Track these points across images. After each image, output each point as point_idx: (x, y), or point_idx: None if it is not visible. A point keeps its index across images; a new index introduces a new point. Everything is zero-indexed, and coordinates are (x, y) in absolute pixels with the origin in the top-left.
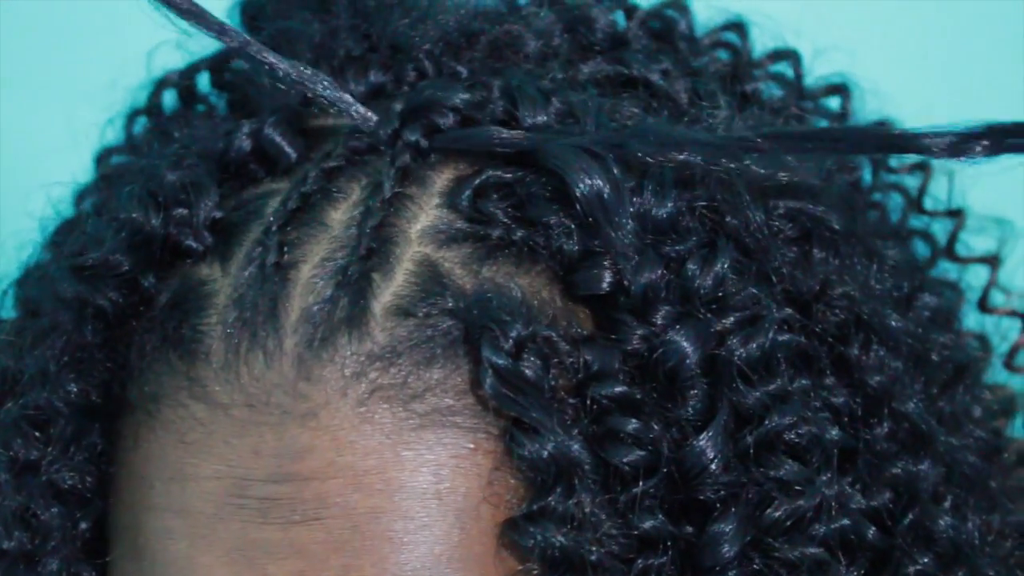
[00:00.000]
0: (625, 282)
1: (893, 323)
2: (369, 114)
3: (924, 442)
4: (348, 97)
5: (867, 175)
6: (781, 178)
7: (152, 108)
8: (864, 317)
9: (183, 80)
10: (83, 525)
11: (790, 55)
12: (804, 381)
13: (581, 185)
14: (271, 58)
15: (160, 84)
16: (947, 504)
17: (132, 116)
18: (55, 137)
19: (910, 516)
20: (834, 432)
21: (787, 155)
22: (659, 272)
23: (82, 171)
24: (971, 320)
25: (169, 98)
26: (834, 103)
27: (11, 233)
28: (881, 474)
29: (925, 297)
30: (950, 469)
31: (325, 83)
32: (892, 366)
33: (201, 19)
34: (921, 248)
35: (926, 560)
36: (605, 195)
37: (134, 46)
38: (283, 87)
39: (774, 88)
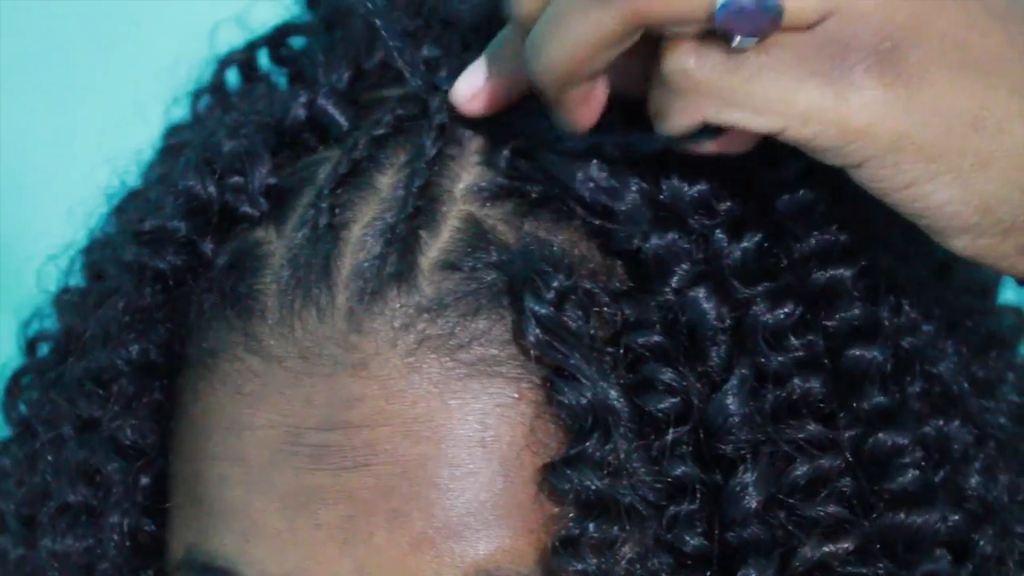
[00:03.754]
0: (642, 244)
1: (926, 287)
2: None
3: (955, 403)
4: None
5: None
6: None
7: (216, 85)
8: (897, 280)
9: (244, 57)
10: (143, 480)
11: None
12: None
13: (580, 175)
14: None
15: (223, 62)
16: (977, 464)
17: (197, 94)
18: (122, 113)
19: (940, 474)
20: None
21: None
22: (671, 238)
23: (148, 146)
24: (1009, 294)
25: (232, 76)
26: None
27: (78, 203)
28: (912, 433)
29: (962, 265)
30: (981, 431)
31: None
32: (924, 329)
33: None
34: None
35: (956, 517)
36: (603, 180)
37: (199, 23)
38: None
39: None
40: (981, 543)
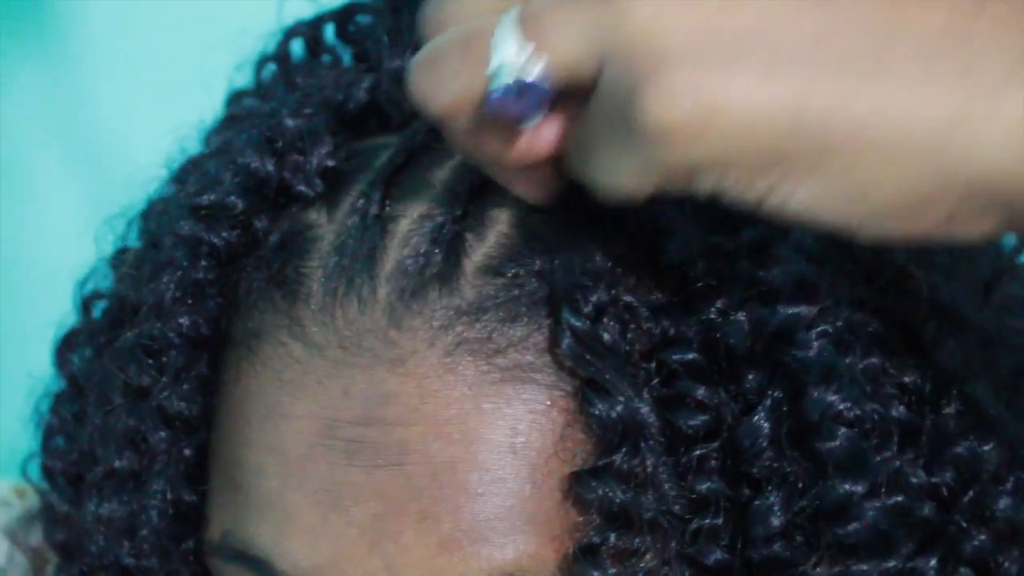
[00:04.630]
0: (692, 262)
1: (968, 307)
2: None
3: (990, 424)
4: None
5: None
6: None
7: (280, 55)
8: (939, 300)
9: (310, 30)
10: (187, 451)
11: None
12: (874, 360)
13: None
14: None
15: (289, 33)
16: (1008, 486)
17: (262, 62)
18: (188, 78)
19: (970, 494)
20: (900, 410)
21: None
22: (715, 259)
23: (211, 113)
24: None
25: (297, 47)
26: None
27: (140, 167)
28: (944, 453)
29: (1006, 284)
30: (1014, 453)
31: None
32: (964, 349)
33: None
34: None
35: (982, 538)
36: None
37: None
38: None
39: None
40: (1006, 564)
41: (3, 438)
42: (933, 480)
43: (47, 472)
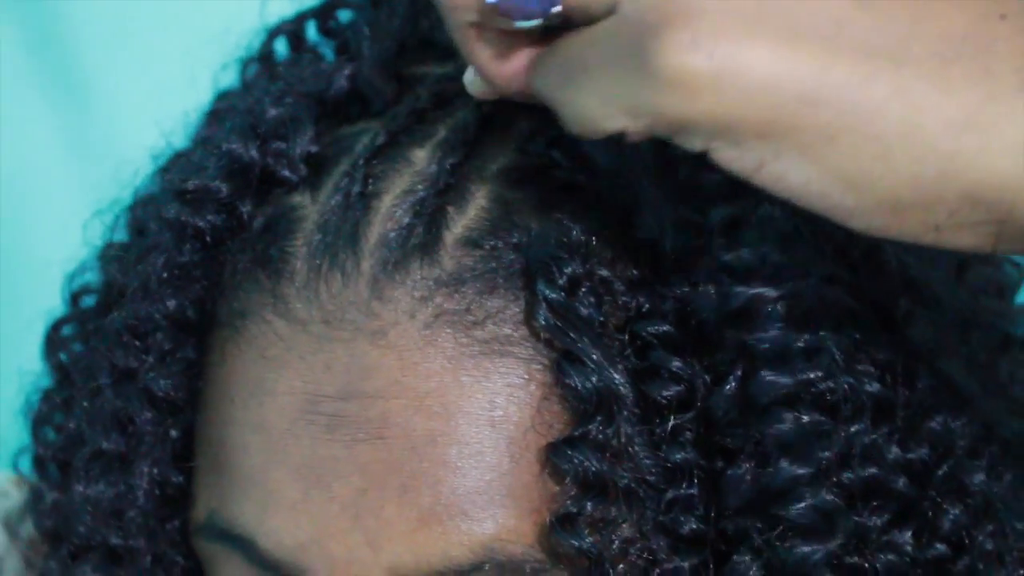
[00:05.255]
0: (664, 237)
1: (941, 286)
2: None
3: (964, 400)
4: None
5: None
6: None
7: (264, 54)
8: (911, 277)
9: (293, 28)
10: (173, 433)
11: None
12: (846, 336)
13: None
14: None
15: (272, 32)
16: (982, 462)
17: (246, 62)
18: (173, 78)
19: (944, 468)
20: (874, 386)
21: None
22: (691, 234)
23: (195, 110)
24: None
25: (280, 47)
26: None
27: (126, 162)
28: (919, 428)
29: (978, 266)
30: (989, 429)
31: None
32: (937, 326)
33: None
34: None
35: (956, 512)
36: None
37: None
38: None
39: None
40: (980, 539)
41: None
42: (908, 456)
43: (36, 461)
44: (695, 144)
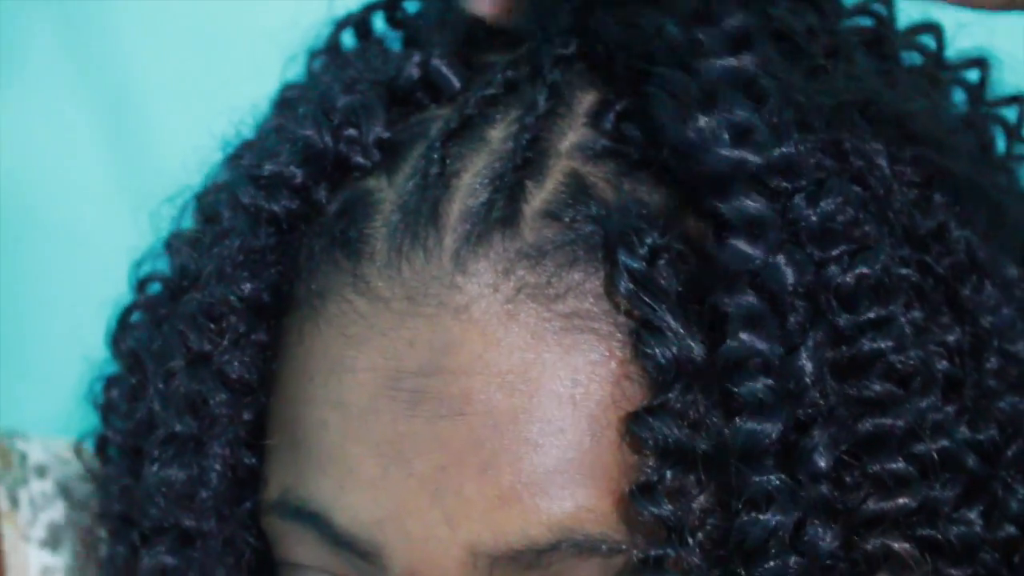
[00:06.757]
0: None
1: (1008, 269)
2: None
3: None
4: None
5: (1001, 143)
6: (909, 125)
7: (331, 46)
8: (979, 260)
9: (360, 19)
10: (246, 415)
11: (932, 28)
12: (916, 313)
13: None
14: None
15: (339, 24)
16: None
17: (313, 54)
18: (240, 69)
19: (1013, 449)
20: (943, 364)
21: None
22: (760, 204)
23: (264, 100)
24: None
25: (348, 38)
26: (973, 75)
27: (195, 149)
28: (988, 409)
29: None
30: None
31: None
32: (1004, 310)
33: None
34: None
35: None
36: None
37: None
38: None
39: (915, 57)
40: None
41: (60, 421)
42: (977, 436)
43: (104, 446)
44: None
